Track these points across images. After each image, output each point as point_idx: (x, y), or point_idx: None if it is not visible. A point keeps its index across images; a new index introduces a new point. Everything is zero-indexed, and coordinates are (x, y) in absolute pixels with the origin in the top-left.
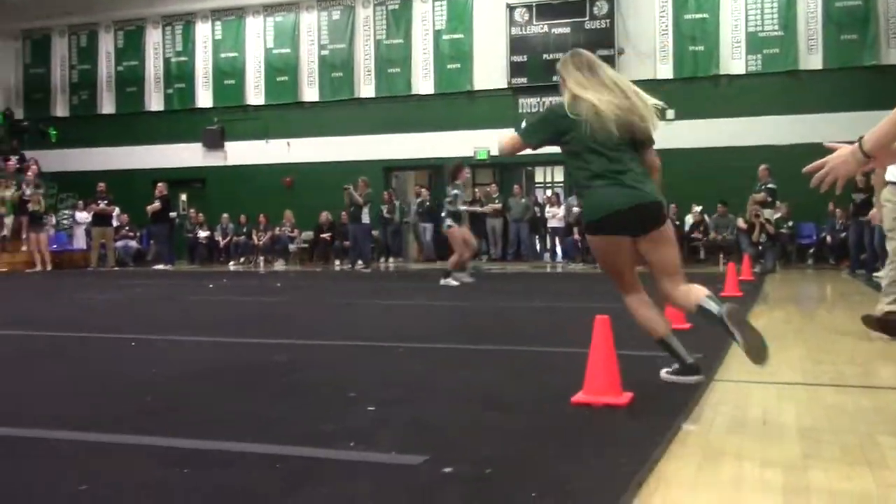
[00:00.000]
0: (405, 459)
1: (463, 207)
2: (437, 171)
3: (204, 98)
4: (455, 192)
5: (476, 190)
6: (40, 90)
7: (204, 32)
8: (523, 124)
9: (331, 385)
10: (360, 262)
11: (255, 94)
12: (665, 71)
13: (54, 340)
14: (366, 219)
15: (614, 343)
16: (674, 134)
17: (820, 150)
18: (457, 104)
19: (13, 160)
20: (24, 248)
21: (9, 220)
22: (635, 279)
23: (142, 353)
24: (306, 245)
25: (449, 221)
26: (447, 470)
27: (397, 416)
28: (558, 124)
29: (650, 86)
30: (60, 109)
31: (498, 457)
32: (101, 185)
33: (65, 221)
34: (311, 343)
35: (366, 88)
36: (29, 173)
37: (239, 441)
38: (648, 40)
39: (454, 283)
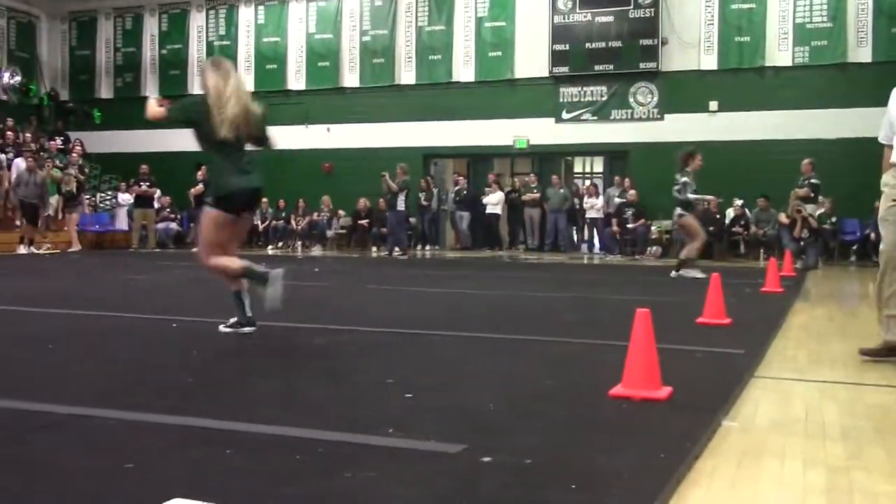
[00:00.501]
0: (444, 447)
1: (693, 196)
2: (476, 160)
3: (246, 82)
4: (684, 179)
5: (515, 179)
6: (85, 72)
7: (247, 17)
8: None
9: (369, 371)
10: (396, 248)
11: (296, 79)
12: (709, 62)
13: (97, 320)
14: (402, 206)
15: (654, 337)
16: (716, 126)
17: (865, 145)
18: (497, 92)
19: (58, 141)
20: (65, 228)
21: (54, 200)
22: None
23: (183, 334)
24: (344, 231)
25: (679, 210)
26: (486, 459)
27: (435, 403)
28: (193, 113)
29: (694, 77)
30: (105, 91)
31: (536, 447)
32: (144, 168)
33: (107, 202)
34: (348, 328)
35: (406, 75)
36: (73, 154)
37: (279, 424)
38: (693, 30)
39: (699, 274)
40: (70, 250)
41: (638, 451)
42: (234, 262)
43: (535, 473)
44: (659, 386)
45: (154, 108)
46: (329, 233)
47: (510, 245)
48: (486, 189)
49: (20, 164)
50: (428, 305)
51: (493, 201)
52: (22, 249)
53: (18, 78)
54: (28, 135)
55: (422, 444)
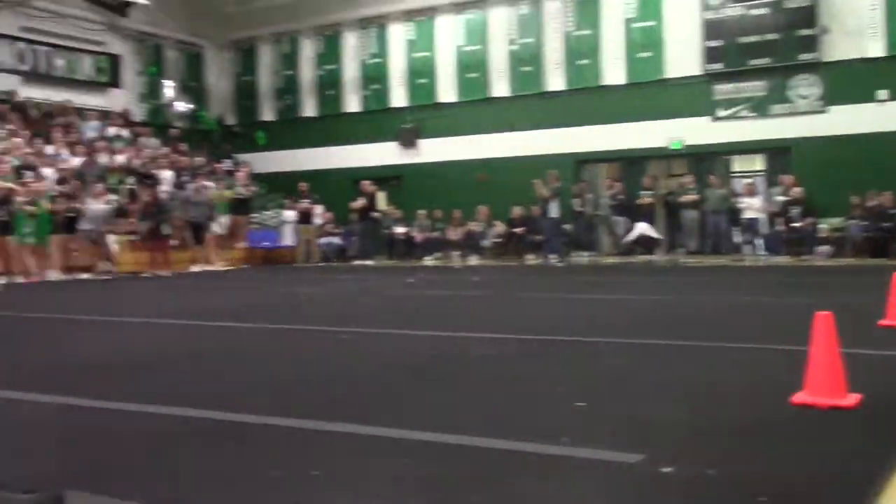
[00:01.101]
0: (621, 457)
1: None
2: (630, 163)
3: (398, 97)
4: None
5: (670, 182)
6: (249, 96)
7: (397, 34)
8: None
9: (536, 379)
10: (552, 255)
11: (446, 92)
12: (876, 48)
13: (270, 332)
14: (554, 212)
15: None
16: (886, 115)
17: None
18: (649, 93)
19: (226, 163)
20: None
21: (224, 219)
22: None
23: (351, 345)
24: (500, 240)
25: None
26: (666, 469)
27: (609, 411)
28: None
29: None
30: (267, 114)
31: (720, 457)
32: (303, 186)
33: (273, 220)
34: (510, 337)
35: (555, 81)
36: (240, 174)
37: (455, 433)
38: (856, 16)
39: None
40: (238, 267)
41: (829, 461)
42: None
43: (720, 485)
44: (845, 393)
45: None
46: (485, 242)
47: (669, 249)
48: (641, 193)
49: (179, 181)
50: (589, 312)
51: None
52: (195, 268)
53: (190, 106)
54: (200, 159)
55: (600, 453)
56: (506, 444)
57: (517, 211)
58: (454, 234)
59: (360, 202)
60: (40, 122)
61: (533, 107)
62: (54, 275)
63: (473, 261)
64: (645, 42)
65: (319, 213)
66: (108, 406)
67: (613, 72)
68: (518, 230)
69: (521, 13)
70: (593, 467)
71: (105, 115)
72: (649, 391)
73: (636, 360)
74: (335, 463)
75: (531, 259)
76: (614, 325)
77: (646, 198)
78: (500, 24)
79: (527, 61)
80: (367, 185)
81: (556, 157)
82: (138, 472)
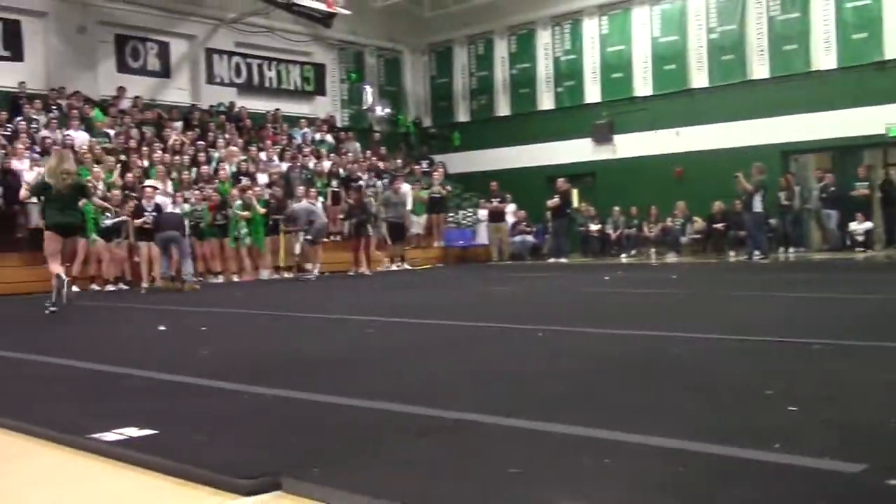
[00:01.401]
0: (841, 466)
1: None
2: (842, 152)
3: (592, 93)
4: None
5: (889, 171)
6: (444, 98)
7: (591, 29)
8: None
9: (741, 381)
10: (756, 252)
11: (642, 85)
12: None
13: (466, 330)
14: (758, 206)
15: None
16: None
17: None
18: (864, 77)
19: (423, 164)
20: (434, 244)
21: (421, 219)
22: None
23: (549, 343)
24: (699, 236)
25: None
26: (893, 482)
27: (825, 417)
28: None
29: None
30: (462, 115)
31: None
32: (494, 185)
33: (468, 219)
34: (711, 337)
35: (759, 69)
36: (436, 174)
37: (652, 434)
38: None
39: None
40: (433, 266)
41: None
42: (54, 267)
43: None
44: None
45: None
46: (683, 239)
47: (887, 244)
48: (856, 184)
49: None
50: (796, 311)
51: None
52: (393, 266)
53: (388, 110)
54: (399, 161)
55: (815, 461)
56: (706, 447)
57: (718, 206)
58: (650, 230)
59: (554, 200)
60: (253, 130)
61: (734, 96)
62: (266, 274)
63: (671, 258)
64: (859, 22)
65: (512, 211)
66: (323, 399)
67: (823, 56)
68: (719, 226)
69: (721, 0)
70: (807, 476)
71: (311, 122)
72: (868, 397)
73: (852, 364)
74: (536, 462)
75: (733, 256)
76: (825, 325)
77: (861, 189)
78: (699, 13)
79: (728, 49)
80: (561, 182)
81: (760, 148)
82: (350, 462)
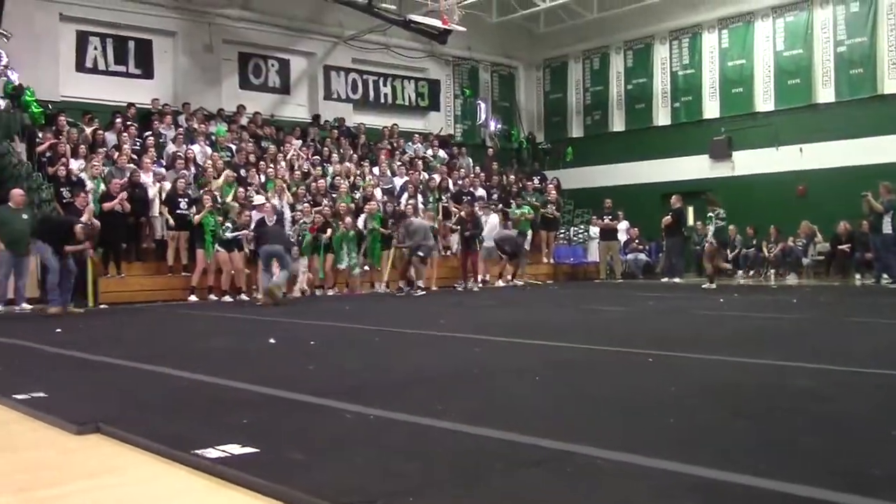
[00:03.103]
0: None
1: None
2: None
3: (711, 109)
4: None
5: None
6: (558, 114)
7: (710, 42)
8: None
9: (869, 420)
10: (885, 276)
11: (763, 101)
12: None
13: (574, 353)
14: (888, 228)
15: None
16: None
17: None
18: None
19: (535, 180)
20: (544, 260)
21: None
22: None
23: (659, 369)
24: (822, 257)
25: None
26: None
27: None
28: None
29: None
30: (576, 130)
31: None
32: (607, 202)
33: (580, 236)
34: (835, 368)
35: (890, 83)
36: (550, 193)
37: (772, 478)
38: None
39: None
40: (542, 283)
41: None
42: None
43: None
44: None
45: None
46: (805, 260)
47: None
48: None
49: (494, 219)
50: None
51: None
52: (500, 282)
53: (501, 125)
54: (511, 176)
55: None
56: (835, 496)
57: (843, 226)
58: (769, 250)
59: (667, 217)
60: (367, 146)
61: (863, 112)
62: (381, 288)
63: (791, 280)
64: None
65: (624, 228)
66: (426, 422)
67: None
68: (843, 247)
69: (851, 11)
70: None
71: (424, 138)
72: None
73: None
74: (641, 501)
75: (859, 279)
76: None
77: None
78: (825, 25)
79: (857, 63)
80: (675, 199)
81: (889, 166)
82: (449, 493)
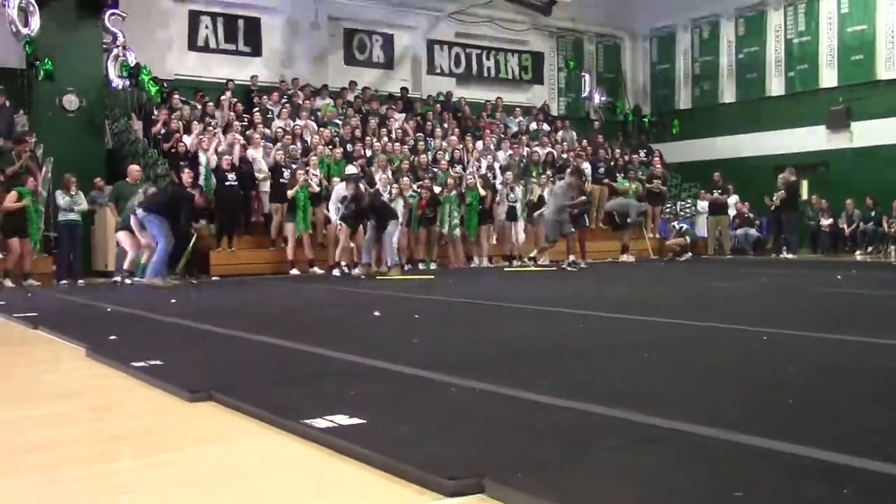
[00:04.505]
0: None
1: None
2: None
3: (829, 78)
4: None
5: None
6: (665, 85)
7: (829, 8)
8: None
9: None
10: None
11: (886, 68)
12: None
13: (684, 330)
14: None
15: None
16: None
17: None
18: None
19: (641, 153)
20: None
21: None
22: None
23: (775, 348)
24: None
25: None
26: None
27: None
28: None
29: None
30: (683, 102)
31: None
32: (717, 175)
33: (687, 210)
34: None
35: None
36: (657, 167)
37: (890, 461)
38: None
39: None
40: (649, 259)
41: None
42: None
43: None
44: None
45: None
46: None
47: None
48: None
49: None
50: None
51: None
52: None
53: (606, 97)
54: (617, 150)
55: None
56: None
57: None
58: (891, 225)
59: (780, 192)
60: (471, 119)
61: None
62: (483, 262)
63: None
64: None
65: (734, 203)
66: (531, 397)
67: None
68: None
69: None
70: None
71: (527, 111)
72: None
73: None
74: (763, 485)
75: None
76: None
77: None
78: None
79: None
80: (788, 173)
81: None
82: (556, 469)
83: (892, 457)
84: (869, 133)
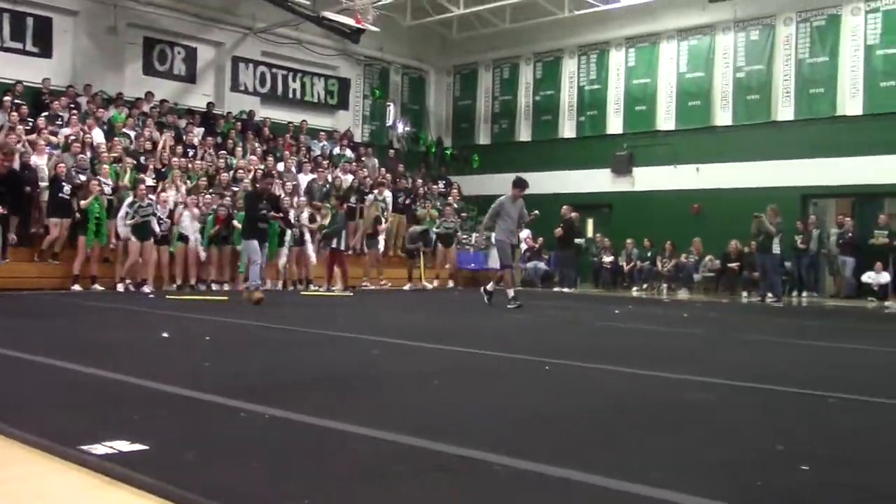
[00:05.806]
0: None
1: None
2: (863, 200)
3: (615, 124)
4: None
5: None
6: (466, 120)
7: (617, 60)
8: None
9: (756, 433)
10: (770, 294)
11: (665, 120)
12: None
13: (472, 359)
14: (776, 249)
15: None
16: None
17: None
18: (890, 125)
19: (440, 184)
20: (446, 265)
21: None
22: None
23: (557, 378)
24: (712, 274)
25: None
26: None
27: (838, 480)
28: None
29: None
30: (483, 137)
31: None
32: None
33: (480, 242)
34: (726, 383)
35: (784, 111)
36: (447, 209)
37: (673, 489)
38: None
39: None
40: (444, 287)
41: None
42: None
43: None
44: None
45: None
46: (696, 276)
47: None
48: (876, 232)
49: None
50: (815, 361)
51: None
52: (407, 286)
53: (409, 128)
54: (419, 180)
55: None
56: None
57: (734, 245)
58: (664, 265)
59: (558, 229)
60: (273, 140)
61: (757, 137)
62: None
63: (682, 294)
64: (890, 70)
65: (525, 237)
66: (323, 424)
67: (850, 102)
68: (733, 265)
69: (750, 39)
70: None
71: (331, 136)
72: (888, 459)
73: (871, 421)
74: None
75: (745, 297)
76: (844, 378)
77: (880, 237)
78: (727, 51)
79: (754, 89)
80: (566, 210)
81: (780, 190)
82: (344, 498)
83: (662, 483)
84: (648, 178)
